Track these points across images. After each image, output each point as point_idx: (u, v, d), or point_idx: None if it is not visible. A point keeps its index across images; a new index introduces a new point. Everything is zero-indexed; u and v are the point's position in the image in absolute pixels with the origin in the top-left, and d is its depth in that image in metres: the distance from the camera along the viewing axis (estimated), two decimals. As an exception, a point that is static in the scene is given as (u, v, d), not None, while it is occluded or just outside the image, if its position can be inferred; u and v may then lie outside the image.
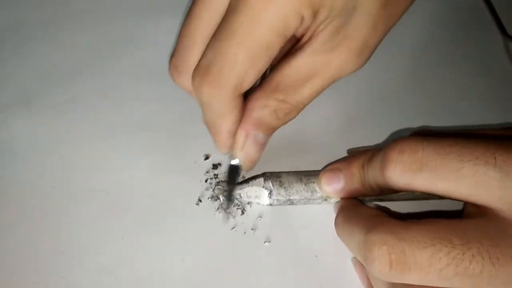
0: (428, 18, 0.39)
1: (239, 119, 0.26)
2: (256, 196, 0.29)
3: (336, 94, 0.34)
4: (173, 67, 0.28)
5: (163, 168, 0.31)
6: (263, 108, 0.26)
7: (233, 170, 0.29)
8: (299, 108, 0.27)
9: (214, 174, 0.31)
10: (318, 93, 0.27)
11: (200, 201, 0.30)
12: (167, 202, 0.30)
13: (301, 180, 0.29)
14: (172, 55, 0.28)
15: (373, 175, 0.25)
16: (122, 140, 0.32)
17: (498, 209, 0.21)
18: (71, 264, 0.27)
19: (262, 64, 0.24)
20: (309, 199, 0.28)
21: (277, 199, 0.28)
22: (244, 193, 0.29)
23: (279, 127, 0.28)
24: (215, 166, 0.31)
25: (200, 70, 0.25)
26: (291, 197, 0.28)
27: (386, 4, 0.25)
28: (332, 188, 0.27)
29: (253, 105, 0.26)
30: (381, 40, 0.27)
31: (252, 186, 0.29)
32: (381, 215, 0.24)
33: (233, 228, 0.29)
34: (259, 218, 0.29)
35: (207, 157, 0.32)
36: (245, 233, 0.29)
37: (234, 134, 0.27)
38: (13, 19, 0.39)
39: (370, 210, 0.25)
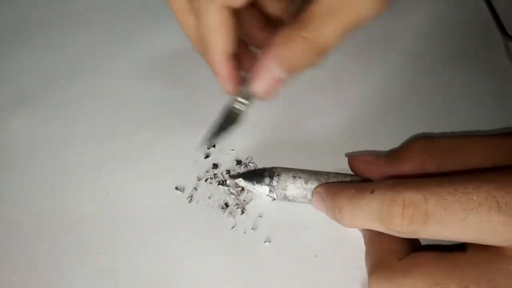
0: (428, 18, 0.39)
1: (231, 40, 0.26)
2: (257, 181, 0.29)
3: (338, 94, 0.34)
4: None
5: (163, 167, 0.31)
6: (286, 43, 0.26)
7: (230, 116, 0.28)
8: (322, 49, 0.26)
9: (214, 174, 0.31)
10: (341, 34, 0.25)
11: (200, 200, 0.30)
12: (167, 202, 0.30)
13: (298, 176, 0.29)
14: None
15: (367, 220, 0.24)
16: (122, 140, 0.32)
17: (503, 247, 0.21)
18: (71, 264, 0.27)
19: None
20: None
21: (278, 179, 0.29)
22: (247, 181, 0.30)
23: (300, 69, 0.27)
24: (215, 166, 0.31)
25: None
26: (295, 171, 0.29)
27: None
28: (319, 210, 0.27)
29: (277, 39, 0.26)
30: None
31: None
32: (390, 253, 0.24)
33: (233, 227, 0.29)
34: (259, 218, 0.29)
35: (207, 156, 0.32)
36: (245, 232, 0.29)
37: (229, 61, 0.27)
38: (13, 19, 0.39)
39: (388, 240, 0.25)
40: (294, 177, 0.29)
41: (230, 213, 0.29)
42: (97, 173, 0.31)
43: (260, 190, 0.29)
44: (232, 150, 0.32)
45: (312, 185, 0.28)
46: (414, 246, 0.25)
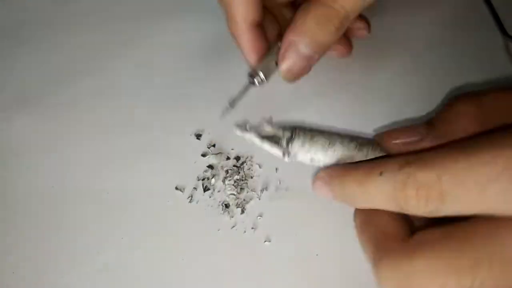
0: (429, 18, 0.39)
1: (255, 7, 0.26)
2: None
3: (338, 92, 0.34)
4: None
5: (162, 168, 0.31)
6: (306, 14, 0.25)
7: (248, 84, 0.28)
8: (342, 16, 0.25)
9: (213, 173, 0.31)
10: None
11: (200, 200, 0.30)
12: (167, 202, 0.30)
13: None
14: None
15: (380, 202, 0.23)
16: (122, 140, 0.32)
17: None
18: (71, 264, 0.27)
19: None
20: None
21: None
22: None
23: (323, 41, 0.26)
24: (212, 167, 0.31)
25: None
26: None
27: None
28: (325, 196, 0.27)
29: (297, 14, 0.26)
30: None
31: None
32: (390, 237, 0.23)
33: (233, 227, 0.29)
34: (259, 218, 0.29)
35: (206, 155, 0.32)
36: (245, 232, 0.29)
37: (253, 30, 0.26)
38: (13, 19, 0.39)
39: (383, 223, 0.24)
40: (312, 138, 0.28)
41: (230, 212, 0.29)
42: (97, 173, 0.31)
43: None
44: (232, 149, 0.32)
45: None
46: (410, 224, 0.24)
